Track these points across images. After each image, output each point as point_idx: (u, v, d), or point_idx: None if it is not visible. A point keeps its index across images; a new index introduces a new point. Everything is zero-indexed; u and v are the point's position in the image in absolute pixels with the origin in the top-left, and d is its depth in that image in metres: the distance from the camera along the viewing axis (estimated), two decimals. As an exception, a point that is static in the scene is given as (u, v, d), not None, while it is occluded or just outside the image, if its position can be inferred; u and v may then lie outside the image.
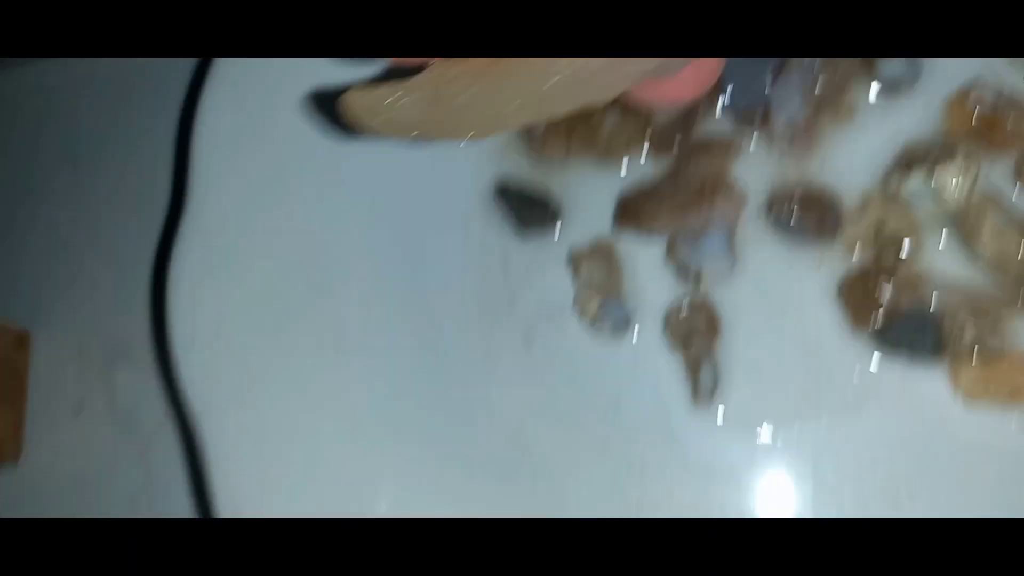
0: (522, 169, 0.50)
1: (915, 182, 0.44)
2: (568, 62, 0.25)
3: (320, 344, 0.47)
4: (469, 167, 0.51)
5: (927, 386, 0.43)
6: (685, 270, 0.46)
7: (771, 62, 0.47)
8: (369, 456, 0.45)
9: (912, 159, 0.44)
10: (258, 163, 0.49)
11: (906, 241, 0.44)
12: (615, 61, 0.25)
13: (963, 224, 0.43)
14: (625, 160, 0.49)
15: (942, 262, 0.45)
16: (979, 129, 0.45)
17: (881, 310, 0.43)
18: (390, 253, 0.49)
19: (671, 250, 0.47)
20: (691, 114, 0.48)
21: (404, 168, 0.50)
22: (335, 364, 0.47)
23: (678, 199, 0.46)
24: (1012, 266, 0.42)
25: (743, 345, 0.46)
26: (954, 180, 0.43)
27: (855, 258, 0.45)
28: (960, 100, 0.45)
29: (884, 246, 0.45)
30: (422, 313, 0.48)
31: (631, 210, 0.48)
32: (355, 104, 0.27)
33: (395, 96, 0.26)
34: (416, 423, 0.46)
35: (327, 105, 0.50)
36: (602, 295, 0.47)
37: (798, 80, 0.47)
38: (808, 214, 0.45)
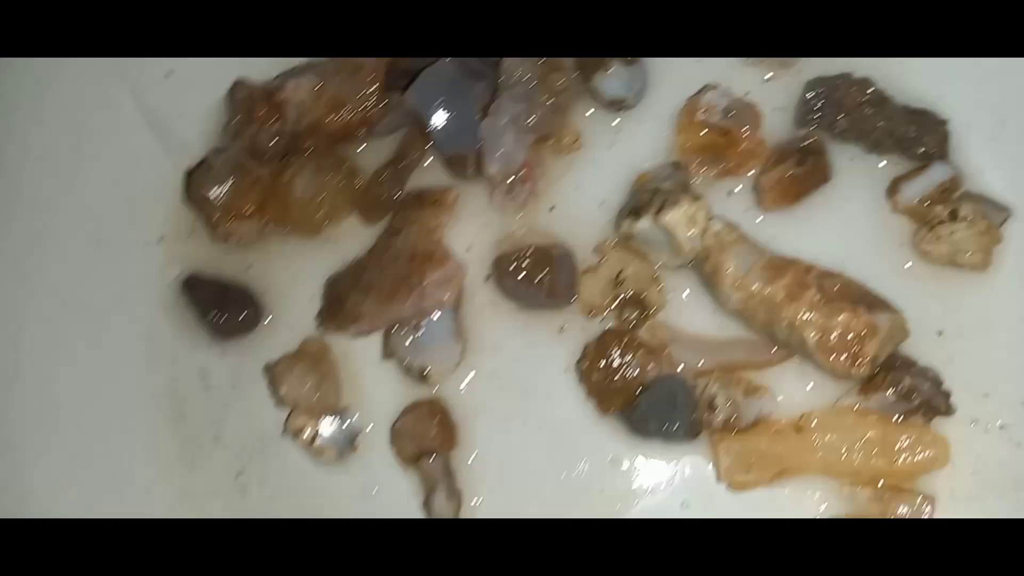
0: (213, 259, 0.41)
1: (645, 226, 0.37)
2: None
3: None
4: (149, 264, 0.42)
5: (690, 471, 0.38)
6: (408, 369, 0.39)
7: (478, 94, 0.40)
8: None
9: (640, 203, 0.37)
10: None
11: (649, 296, 0.38)
12: None
13: (703, 272, 0.37)
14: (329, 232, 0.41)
15: (689, 316, 0.38)
16: (711, 145, 0.39)
17: (624, 388, 0.36)
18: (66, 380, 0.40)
19: (388, 347, 0.39)
20: (401, 167, 0.40)
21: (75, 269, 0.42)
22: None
23: (387, 280, 0.38)
24: (759, 314, 0.36)
25: (485, 445, 0.39)
26: (685, 224, 0.36)
27: (598, 321, 0.39)
28: (689, 112, 0.39)
29: (626, 305, 0.38)
30: (107, 463, 0.40)
31: (336, 304, 0.39)
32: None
33: None
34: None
35: None
36: (316, 414, 0.38)
37: (510, 109, 0.39)
38: (540, 274, 0.38)
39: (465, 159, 0.39)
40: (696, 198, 0.36)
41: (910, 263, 0.38)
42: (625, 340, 0.37)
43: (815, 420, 0.36)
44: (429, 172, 0.41)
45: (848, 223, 0.39)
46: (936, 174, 0.38)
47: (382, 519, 0.38)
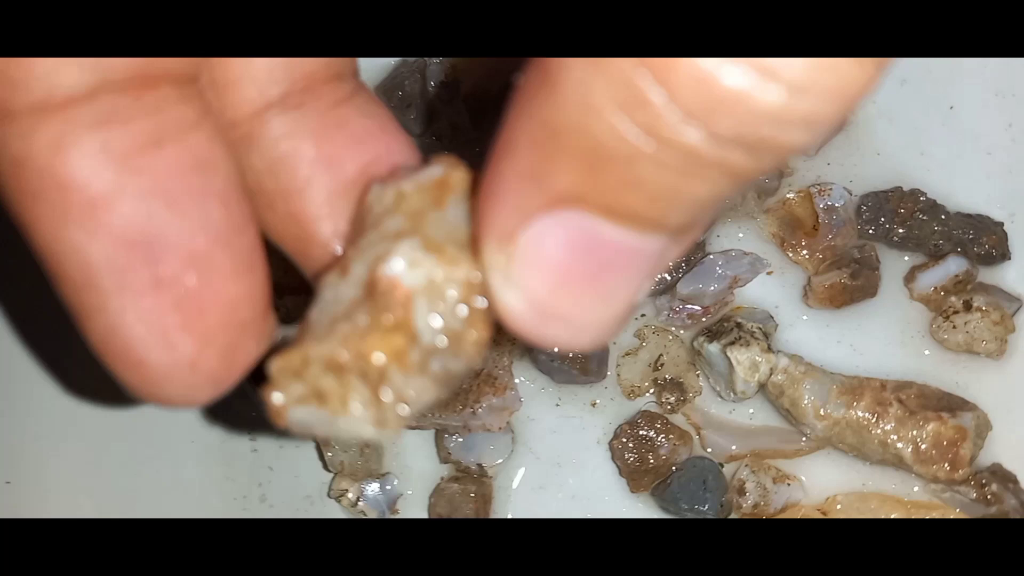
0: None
1: (714, 351, 0.36)
2: None
3: None
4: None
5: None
6: (466, 470, 0.38)
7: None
8: None
9: (720, 329, 0.37)
10: None
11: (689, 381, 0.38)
12: None
13: (780, 407, 0.37)
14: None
15: (719, 406, 0.38)
16: (797, 220, 0.39)
17: (656, 468, 0.36)
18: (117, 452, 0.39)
19: (442, 451, 0.38)
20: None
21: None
22: None
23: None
24: (847, 438, 0.35)
25: (519, 512, 0.38)
26: (747, 367, 0.36)
27: (639, 401, 0.38)
28: (813, 187, 0.39)
29: (664, 388, 0.37)
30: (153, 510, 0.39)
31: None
32: None
33: None
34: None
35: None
36: (359, 478, 0.38)
37: (739, 268, 0.38)
38: (572, 352, 0.38)
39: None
40: (768, 351, 0.36)
41: (928, 351, 0.38)
42: (658, 423, 0.36)
43: (839, 504, 0.35)
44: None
45: (874, 312, 0.38)
46: (952, 266, 0.38)
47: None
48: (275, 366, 0.19)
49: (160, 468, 0.40)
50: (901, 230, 0.38)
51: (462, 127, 0.41)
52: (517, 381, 0.38)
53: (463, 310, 0.18)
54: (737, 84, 0.14)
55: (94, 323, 0.18)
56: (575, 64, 0.15)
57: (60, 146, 0.16)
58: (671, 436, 0.36)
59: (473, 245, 0.18)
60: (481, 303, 0.18)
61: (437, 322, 0.18)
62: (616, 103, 0.15)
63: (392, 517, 0.38)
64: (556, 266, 0.17)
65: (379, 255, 0.19)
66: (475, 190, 0.19)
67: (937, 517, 0.34)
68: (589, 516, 0.38)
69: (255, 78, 0.20)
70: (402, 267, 0.18)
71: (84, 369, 0.40)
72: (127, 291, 0.18)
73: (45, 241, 0.17)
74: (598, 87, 0.15)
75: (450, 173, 0.20)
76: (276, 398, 0.19)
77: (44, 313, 0.39)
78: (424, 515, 0.38)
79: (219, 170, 0.18)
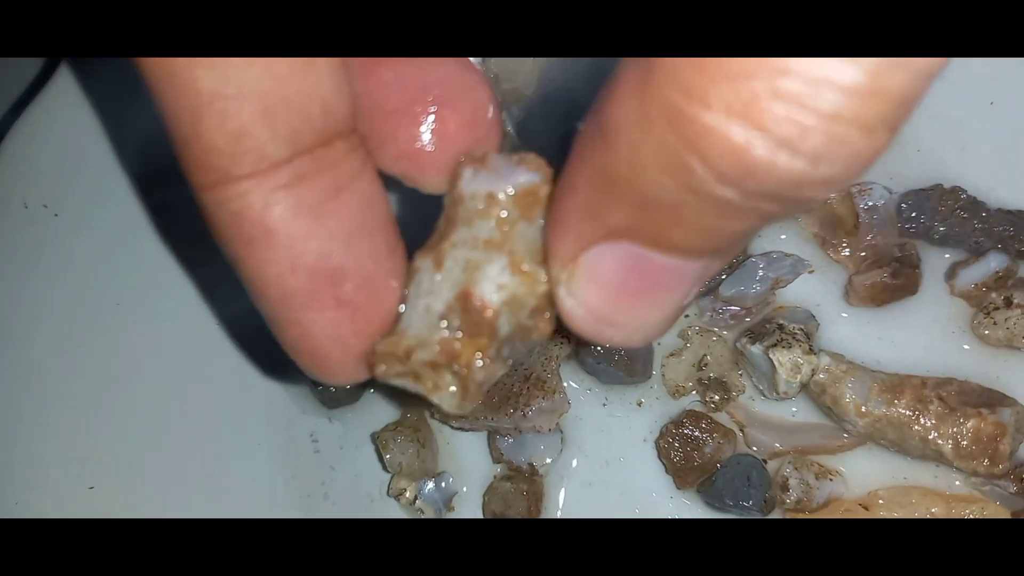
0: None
1: (756, 352, 0.37)
2: None
3: None
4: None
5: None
6: (517, 469, 0.39)
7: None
8: None
9: (762, 331, 0.38)
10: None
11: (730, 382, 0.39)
12: None
13: (822, 404, 0.38)
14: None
15: (761, 404, 0.39)
16: (839, 219, 0.39)
17: (702, 466, 0.37)
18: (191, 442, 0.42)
19: (495, 451, 0.40)
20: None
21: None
22: None
23: (498, 390, 0.38)
24: (888, 434, 0.36)
25: (568, 507, 0.40)
26: (790, 368, 0.37)
27: (683, 400, 0.39)
28: (854, 188, 0.39)
29: (708, 387, 0.39)
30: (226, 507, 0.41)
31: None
32: None
33: None
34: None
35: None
36: (416, 478, 0.40)
37: (780, 270, 0.39)
38: (618, 353, 0.39)
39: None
40: (810, 352, 0.37)
41: (968, 346, 0.39)
42: (703, 422, 0.38)
43: (880, 498, 0.36)
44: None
45: (915, 309, 0.39)
46: (993, 262, 0.38)
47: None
48: (381, 348, 0.23)
49: (232, 469, 0.42)
50: (942, 227, 0.39)
51: (508, 136, 0.43)
52: (565, 384, 0.39)
53: (535, 313, 0.23)
54: (763, 155, 0.17)
55: (289, 332, 0.23)
56: (626, 125, 0.18)
57: (268, 203, 0.21)
58: (715, 434, 0.37)
59: (546, 257, 0.22)
60: (550, 307, 0.23)
61: (514, 322, 0.23)
62: (660, 165, 0.18)
63: (448, 515, 0.40)
64: (610, 283, 0.21)
65: (471, 266, 0.23)
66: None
67: (977, 510, 0.35)
68: (637, 511, 0.39)
69: None
70: (491, 291, 0.23)
71: (167, 379, 0.43)
72: (316, 309, 0.23)
73: (255, 274, 0.22)
74: (645, 150, 0.18)
75: (540, 187, 0.23)
76: (380, 370, 0.23)
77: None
78: (478, 512, 0.40)
79: (380, 205, 0.23)
